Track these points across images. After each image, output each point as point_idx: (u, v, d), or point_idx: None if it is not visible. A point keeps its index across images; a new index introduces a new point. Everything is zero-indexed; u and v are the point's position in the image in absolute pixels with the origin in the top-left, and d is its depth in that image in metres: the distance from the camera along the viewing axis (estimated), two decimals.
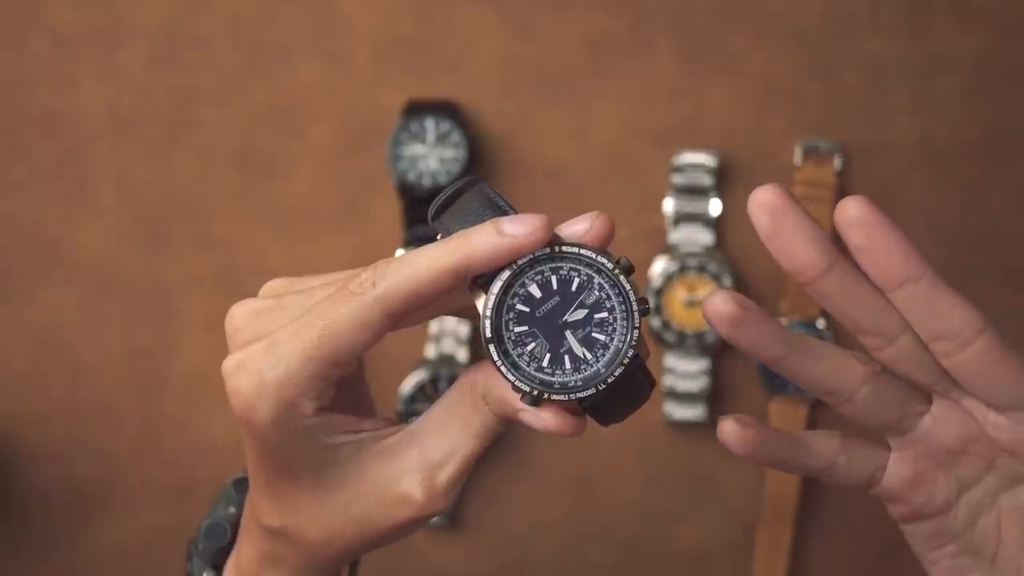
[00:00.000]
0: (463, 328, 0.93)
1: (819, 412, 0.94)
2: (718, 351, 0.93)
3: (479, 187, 0.49)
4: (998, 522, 0.51)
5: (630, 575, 0.97)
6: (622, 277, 0.48)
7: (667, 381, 0.93)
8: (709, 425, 0.95)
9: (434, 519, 0.94)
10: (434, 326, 0.94)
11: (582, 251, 0.48)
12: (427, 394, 0.92)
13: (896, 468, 0.51)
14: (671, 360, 0.93)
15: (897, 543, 0.54)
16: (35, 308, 0.95)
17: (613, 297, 0.48)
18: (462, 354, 0.93)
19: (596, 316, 0.49)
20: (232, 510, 0.59)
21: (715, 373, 0.94)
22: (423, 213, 0.92)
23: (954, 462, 0.51)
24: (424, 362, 0.93)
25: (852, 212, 0.46)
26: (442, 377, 0.92)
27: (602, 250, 0.48)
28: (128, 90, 0.93)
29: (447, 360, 0.93)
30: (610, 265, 0.48)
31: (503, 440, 0.96)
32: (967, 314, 0.48)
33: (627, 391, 0.49)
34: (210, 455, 0.96)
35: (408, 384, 0.93)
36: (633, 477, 0.96)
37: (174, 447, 0.96)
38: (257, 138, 0.94)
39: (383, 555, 0.97)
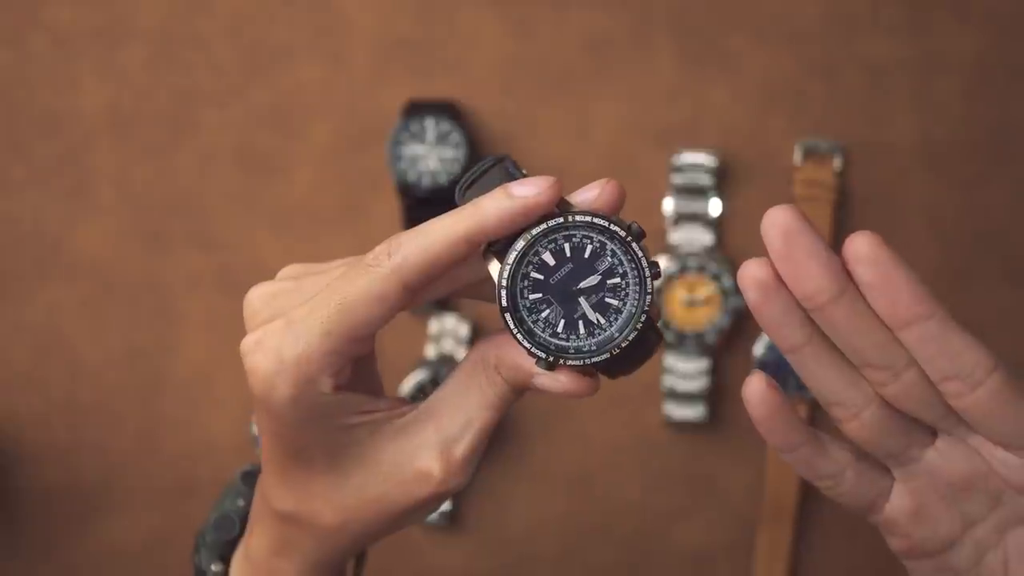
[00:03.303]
0: (463, 328, 0.93)
1: (819, 415, 0.94)
2: (718, 351, 0.93)
3: (503, 164, 0.50)
4: (1004, 560, 0.50)
5: (630, 575, 0.97)
6: (634, 243, 0.49)
7: (667, 381, 0.93)
8: (709, 425, 0.95)
9: (433, 517, 0.95)
10: (434, 326, 0.94)
11: (594, 219, 0.48)
12: (427, 394, 0.92)
13: (899, 498, 0.50)
14: (671, 360, 0.93)
15: None
16: (35, 308, 0.95)
17: (625, 263, 0.49)
18: (462, 354, 0.93)
19: (609, 282, 0.49)
20: (240, 503, 0.59)
21: (715, 373, 0.94)
22: (423, 213, 0.92)
23: (959, 498, 0.50)
24: (424, 362, 0.93)
25: (861, 248, 0.45)
26: (442, 377, 0.92)
27: (613, 216, 0.49)
28: (128, 90, 0.94)
29: (447, 360, 0.93)
30: (622, 232, 0.49)
31: (503, 440, 0.96)
32: (978, 354, 0.46)
33: (637, 350, 0.50)
34: (210, 455, 0.96)
35: (408, 384, 0.93)
36: (633, 477, 0.96)
37: (174, 447, 0.96)
38: (257, 138, 0.94)
39: (383, 554, 0.97)
